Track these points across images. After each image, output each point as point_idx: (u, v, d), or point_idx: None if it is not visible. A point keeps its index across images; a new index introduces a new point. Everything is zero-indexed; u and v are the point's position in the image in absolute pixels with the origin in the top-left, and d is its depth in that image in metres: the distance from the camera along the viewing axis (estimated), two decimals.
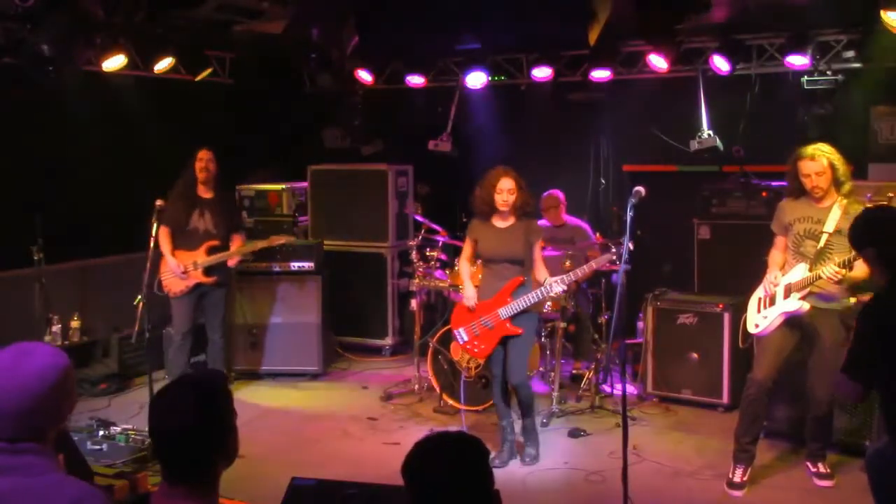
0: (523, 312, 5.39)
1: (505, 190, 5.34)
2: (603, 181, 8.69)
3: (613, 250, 5.60)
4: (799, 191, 5.11)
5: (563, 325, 6.72)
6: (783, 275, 5.14)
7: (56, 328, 7.12)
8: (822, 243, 4.98)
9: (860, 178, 6.71)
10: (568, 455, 5.79)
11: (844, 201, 4.96)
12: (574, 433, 6.13)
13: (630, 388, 6.63)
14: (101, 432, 5.60)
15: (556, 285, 5.37)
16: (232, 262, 6.66)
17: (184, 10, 6.93)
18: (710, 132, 7.35)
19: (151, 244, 5.86)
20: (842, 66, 6.99)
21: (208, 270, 6.51)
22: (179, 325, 6.58)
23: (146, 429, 5.48)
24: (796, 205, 5.15)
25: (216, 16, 7.46)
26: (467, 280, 5.63)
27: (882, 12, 6.00)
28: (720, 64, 7.19)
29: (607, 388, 6.94)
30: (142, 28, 6.87)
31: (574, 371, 7.31)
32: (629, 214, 4.57)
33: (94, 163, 7.41)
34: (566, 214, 7.61)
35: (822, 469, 5.24)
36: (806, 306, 5.00)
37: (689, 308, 6.65)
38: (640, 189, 4.63)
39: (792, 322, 5.09)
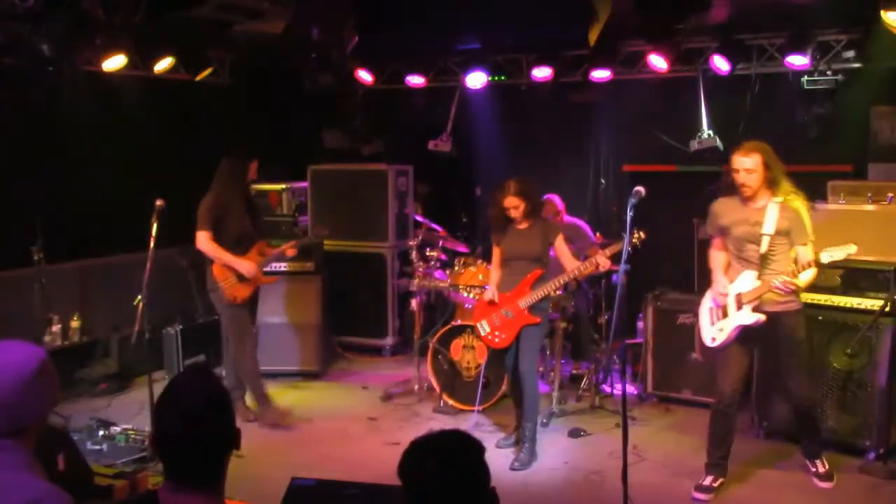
0: (540, 303, 5.61)
1: (512, 208, 5.61)
2: (603, 181, 8.69)
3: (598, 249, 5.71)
4: (732, 186, 4.93)
5: (563, 325, 6.73)
6: (730, 282, 5.00)
7: (56, 328, 7.11)
8: (764, 247, 4.83)
9: (860, 178, 6.72)
10: (568, 455, 5.80)
11: (780, 200, 4.81)
12: (574, 433, 6.14)
13: (630, 388, 6.64)
14: (101, 432, 5.60)
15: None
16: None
17: (184, 10, 6.91)
18: (710, 132, 7.36)
19: (152, 244, 5.83)
20: (842, 66, 6.99)
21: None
22: (249, 331, 6.35)
23: (146, 429, 5.58)
24: (729, 207, 5.00)
25: (216, 16, 7.45)
26: (493, 284, 5.81)
27: (882, 12, 6.00)
28: (720, 64, 7.20)
29: (607, 388, 6.95)
30: (142, 28, 6.86)
31: (574, 371, 7.31)
32: (629, 214, 4.58)
33: (94, 163, 7.40)
34: (566, 216, 7.59)
35: (820, 468, 5.21)
36: (762, 318, 4.86)
37: (689, 308, 6.63)
38: (640, 189, 4.65)
39: (748, 331, 4.97)
